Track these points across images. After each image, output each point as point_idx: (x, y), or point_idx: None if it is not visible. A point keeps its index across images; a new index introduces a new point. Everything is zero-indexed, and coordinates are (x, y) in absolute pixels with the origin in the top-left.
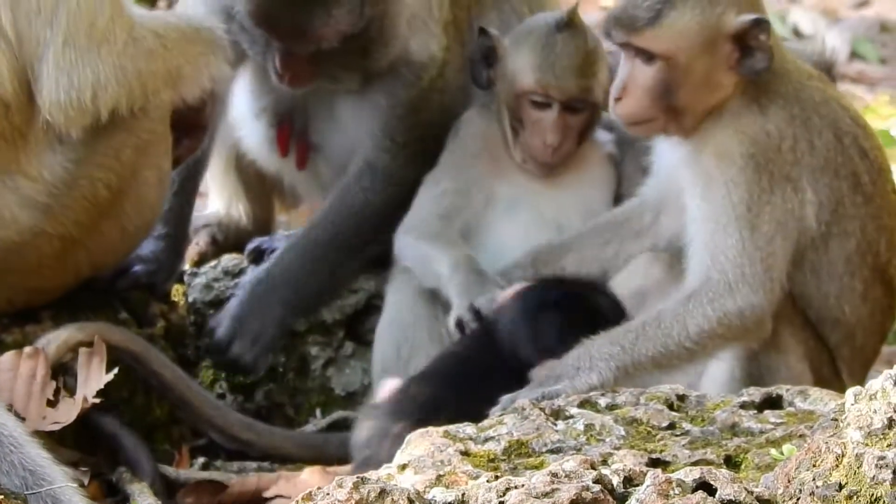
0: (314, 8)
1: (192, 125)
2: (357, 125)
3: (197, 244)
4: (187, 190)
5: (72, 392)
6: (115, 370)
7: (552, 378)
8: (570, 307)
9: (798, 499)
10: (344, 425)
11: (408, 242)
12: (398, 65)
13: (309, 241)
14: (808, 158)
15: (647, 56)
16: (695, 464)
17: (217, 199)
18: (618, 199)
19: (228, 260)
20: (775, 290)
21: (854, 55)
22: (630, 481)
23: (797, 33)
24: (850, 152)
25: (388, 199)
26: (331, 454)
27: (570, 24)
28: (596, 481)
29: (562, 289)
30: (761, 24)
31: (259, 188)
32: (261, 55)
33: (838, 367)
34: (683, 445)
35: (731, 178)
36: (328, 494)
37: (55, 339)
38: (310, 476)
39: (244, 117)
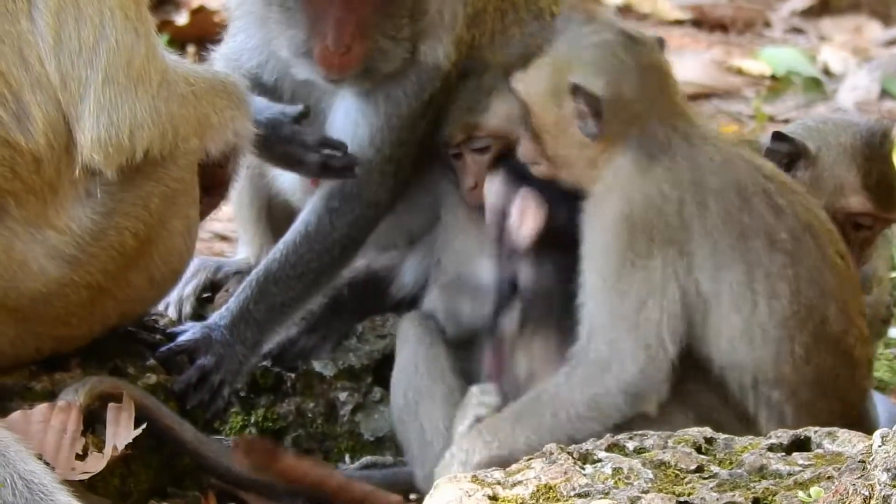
0: None
1: (215, 181)
2: (349, 133)
3: (227, 291)
4: None
5: (100, 441)
6: (144, 424)
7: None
8: None
9: None
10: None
11: None
12: (408, 67)
13: (267, 275)
14: (698, 221)
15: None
16: None
17: (247, 247)
18: None
19: None
20: (656, 359)
21: (884, 93)
22: None
23: (827, 72)
24: (761, 211)
25: (356, 222)
26: None
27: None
28: None
29: None
30: (579, 90)
31: None
32: (304, 44)
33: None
34: (711, 488)
35: (606, 244)
36: None
37: (81, 391)
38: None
39: None
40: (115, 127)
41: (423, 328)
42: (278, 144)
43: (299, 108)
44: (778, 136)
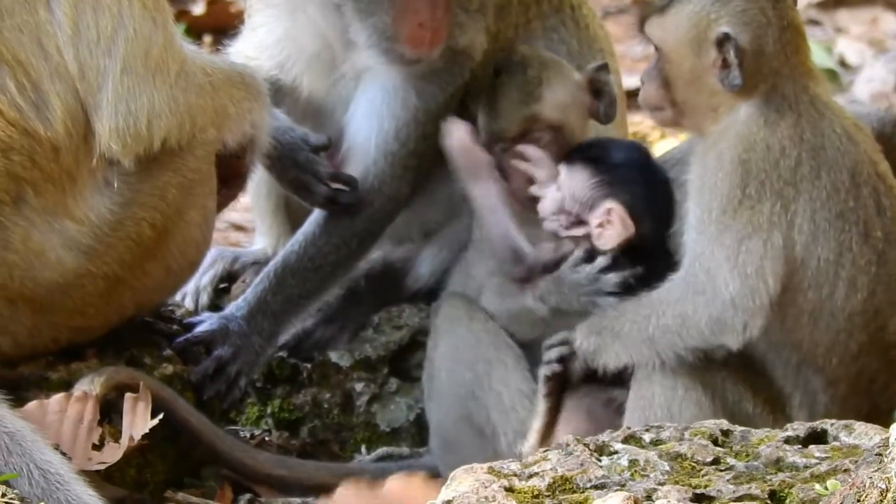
0: None
1: (232, 173)
2: (373, 127)
3: (244, 281)
4: None
5: (117, 431)
6: (161, 415)
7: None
8: None
9: None
10: (389, 460)
11: None
12: (444, 55)
13: (285, 266)
14: (809, 185)
15: (653, 45)
16: (739, 499)
17: (264, 237)
18: None
19: None
20: (753, 291)
21: None
22: None
23: (843, 64)
24: (867, 202)
25: (374, 215)
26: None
27: None
28: None
29: None
30: (730, 40)
31: None
32: (389, 28)
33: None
34: (728, 480)
35: (717, 181)
36: None
37: (97, 380)
38: (344, 492)
39: None
40: (132, 116)
41: (470, 306)
42: (291, 169)
43: (322, 139)
44: None
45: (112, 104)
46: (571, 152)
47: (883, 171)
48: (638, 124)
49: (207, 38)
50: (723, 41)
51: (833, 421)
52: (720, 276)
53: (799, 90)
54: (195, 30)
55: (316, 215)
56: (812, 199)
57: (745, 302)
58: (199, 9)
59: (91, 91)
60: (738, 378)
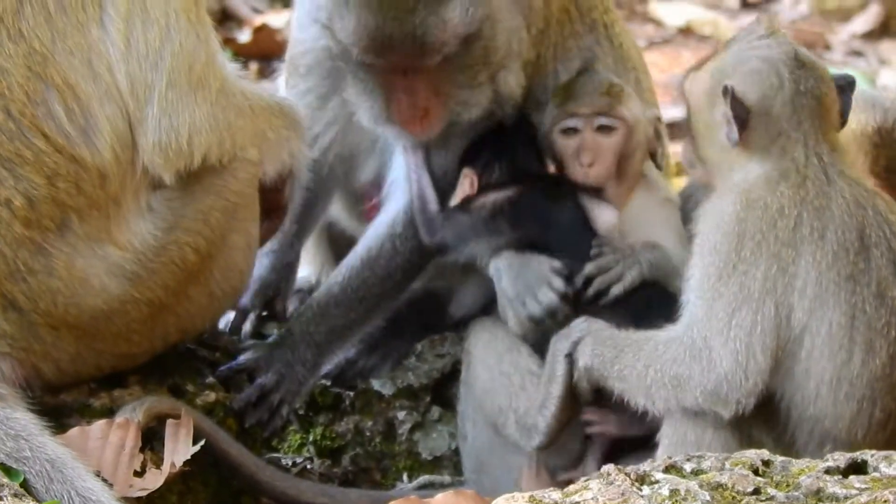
0: (426, 17)
1: (272, 206)
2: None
3: (287, 309)
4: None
5: (159, 458)
6: (203, 441)
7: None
8: None
9: None
10: (431, 488)
11: None
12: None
13: (328, 297)
14: (811, 246)
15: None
16: None
17: (308, 265)
18: None
19: None
20: (744, 368)
21: None
22: None
23: None
24: (878, 263)
25: (418, 247)
26: None
27: None
28: None
29: None
30: (730, 93)
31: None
32: (383, 112)
33: None
34: None
35: (717, 242)
36: None
37: (139, 409)
38: None
39: None
40: (174, 131)
41: (495, 323)
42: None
43: None
44: None
45: (156, 118)
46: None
47: None
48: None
49: (253, 66)
50: (725, 93)
51: (873, 452)
52: (715, 347)
53: (811, 156)
54: (241, 57)
55: (360, 247)
56: (817, 261)
57: (737, 380)
58: (244, 36)
59: (139, 106)
60: (765, 425)
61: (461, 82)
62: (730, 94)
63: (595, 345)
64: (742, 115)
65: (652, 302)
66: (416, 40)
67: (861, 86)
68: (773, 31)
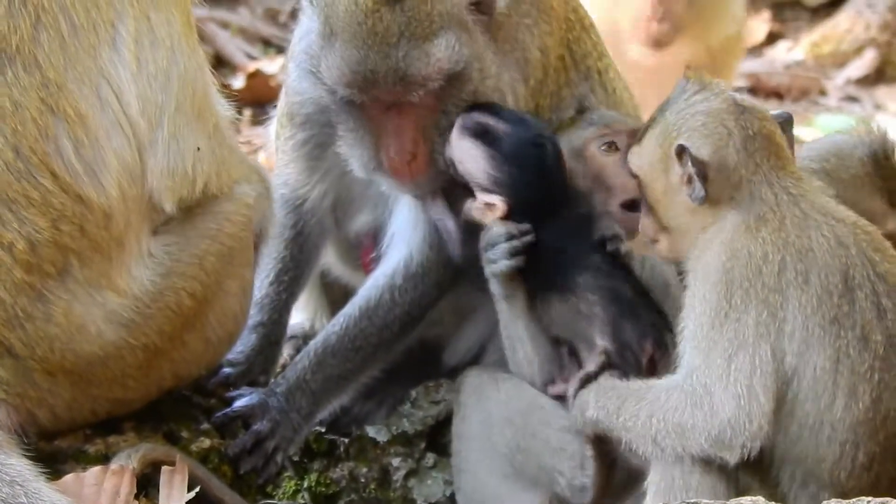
0: (409, 50)
1: None
2: (419, 215)
3: (282, 356)
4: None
5: None
6: (197, 489)
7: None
8: None
9: None
10: None
11: None
12: None
13: (325, 346)
14: (797, 290)
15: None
16: None
17: (302, 312)
18: None
19: None
20: (747, 412)
21: None
22: None
23: None
24: (863, 305)
25: (418, 300)
26: None
27: None
28: None
29: None
30: (686, 152)
31: (344, 302)
32: (372, 160)
33: None
34: None
35: (706, 293)
36: None
37: (134, 456)
38: None
39: None
40: (181, 156)
41: (493, 374)
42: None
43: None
44: None
45: (166, 142)
46: None
47: (884, 271)
48: None
49: (247, 112)
50: (681, 154)
51: (870, 499)
52: (716, 394)
53: (779, 192)
54: (235, 103)
55: (359, 297)
56: (802, 305)
57: (742, 424)
58: (238, 82)
59: (151, 127)
60: (750, 467)
61: (447, 128)
62: (687, 153)
63: (598, 396)
64: (703, 170)
65: (641, 302)
66: (399, 72)
67: (836, 135)
68: (704, 86)
